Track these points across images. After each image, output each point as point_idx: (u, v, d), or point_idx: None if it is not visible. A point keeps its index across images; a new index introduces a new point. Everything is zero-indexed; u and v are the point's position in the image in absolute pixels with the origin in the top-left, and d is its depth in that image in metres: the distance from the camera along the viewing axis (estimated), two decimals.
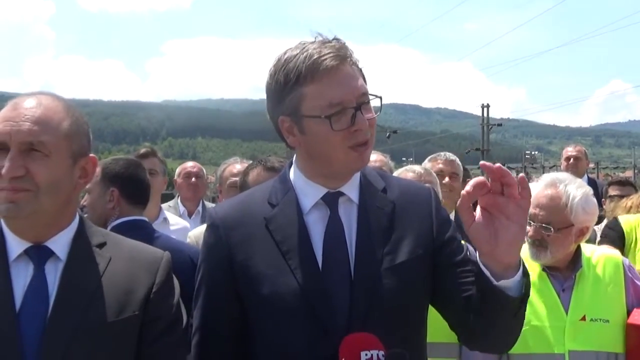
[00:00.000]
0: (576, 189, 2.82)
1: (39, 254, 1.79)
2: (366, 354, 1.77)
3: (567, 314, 2.76)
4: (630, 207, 4.86)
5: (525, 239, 2.83)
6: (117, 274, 1.83)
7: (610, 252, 3.04)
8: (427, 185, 2.21)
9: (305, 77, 1.81)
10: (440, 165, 4.40)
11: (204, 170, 6.13)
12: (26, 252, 1.79)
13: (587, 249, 2.93)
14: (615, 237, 3.85)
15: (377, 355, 1.78)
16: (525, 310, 1.87)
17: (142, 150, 5.02)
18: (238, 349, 2.00)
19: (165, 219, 4.66)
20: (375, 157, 4.29)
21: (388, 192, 2.03)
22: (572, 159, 7.42)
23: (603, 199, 6.08)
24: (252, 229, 1.96)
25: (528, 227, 2.79)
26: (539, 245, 2.80)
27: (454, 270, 1.96)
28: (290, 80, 1.82)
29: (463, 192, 1.67)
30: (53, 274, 1.78)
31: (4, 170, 1.69)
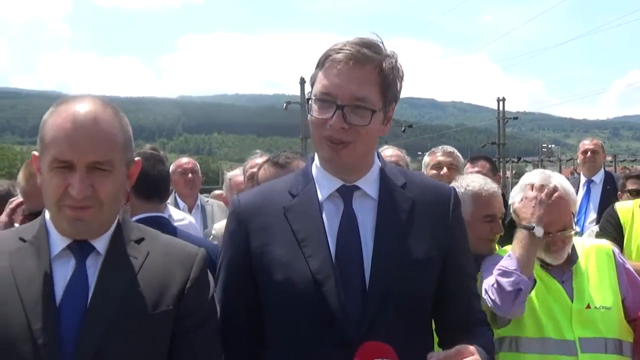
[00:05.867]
0: (563, 181, 2.93)
1: (81, 250, 1.86)
2: None
3: (572, 302, 2.80)
4: None
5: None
6: (154, 269, 1.89)
7: (599, 242, 3.12)
8: (450, 185, 2.25)
9: (322, 63, 1.96)
10: (439, 158, 4.46)
11: (198, 165, 6.19)
12: (69, 247, 1.86)
13: (577, 242, 3.01)
14: (612, 229, 3.81)
15: None
16: None
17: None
18: (253, 332, 2.06)
19: (170, 216, 4.67)
20: (391, 152, 4.26)
21: (408, 188, 2.06)
22: (589, 152, 7.37)
23: (620, 192, 6.02)
24: (271, 217, 2.03)
25: (546, 237, 2.81)
26: (562, 246, 2.85)
27: (456, 279, 2.06)
28: (318, 63, 1.99)
29: None
30: (93, 269, 1.86)
31: (74, 192, 1.75)
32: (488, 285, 2.70)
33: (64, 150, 1.76)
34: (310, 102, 1.97)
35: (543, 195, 2.82)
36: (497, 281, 2.65)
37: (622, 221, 4.00)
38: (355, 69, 1.90)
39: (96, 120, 1.80)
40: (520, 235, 2.79)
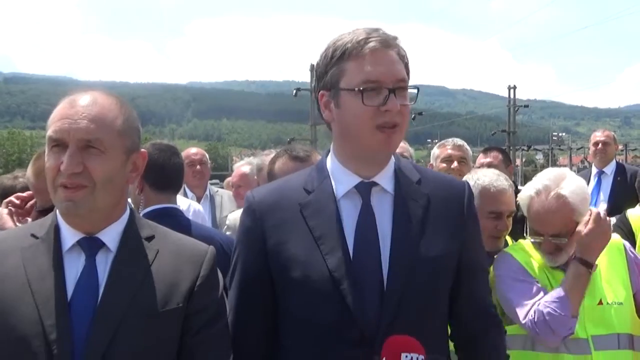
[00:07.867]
0: (569, 187, 2.77)
1: (90, 246, 1.88)
2: (406, 356, 1.83)
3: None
4: None
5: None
6: (164, 266, 1.91)
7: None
8: (462, 180, 2.26)
9: (350, 53, 1.93)
10: (449, 151, 4.44)
11: (207, 156, 6.17)
12: (79, 243, 1.88)
13: None
14: (624, 236, 3.76)
15: (417, 358, 1.84)
16: None
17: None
18: (267, 332, 2.05)
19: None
20: None
21: (422, 184, 2.07)
22: (600, 144, 7.34)
23: None
24: (287, 213, 2.01)
25: (539, 239, 2.78)
26: (555, 251, 2.78)
27: (471, 272, 2.06)
28: (335, 56, 1.95)
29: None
30: (103, 265, 1.87)
31: (63, 167, 1.78)
32: (530, 319, 2.60)
33: (57, 127, 1.81)
34: (340, 94, 1.94)
35: (593, 225, 2.66)
36: (550, 327, 2.56)
37: (634, 228, 3.98)
38: (390, 52, 1.94)
39: (93, 102, 1.85)
40: (577, 271, 2.66)
